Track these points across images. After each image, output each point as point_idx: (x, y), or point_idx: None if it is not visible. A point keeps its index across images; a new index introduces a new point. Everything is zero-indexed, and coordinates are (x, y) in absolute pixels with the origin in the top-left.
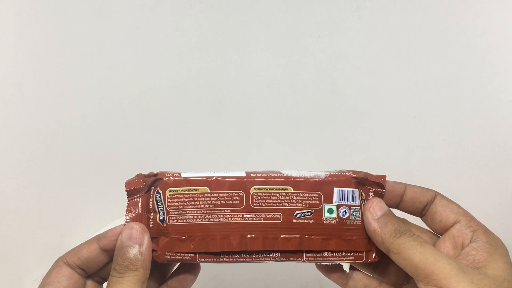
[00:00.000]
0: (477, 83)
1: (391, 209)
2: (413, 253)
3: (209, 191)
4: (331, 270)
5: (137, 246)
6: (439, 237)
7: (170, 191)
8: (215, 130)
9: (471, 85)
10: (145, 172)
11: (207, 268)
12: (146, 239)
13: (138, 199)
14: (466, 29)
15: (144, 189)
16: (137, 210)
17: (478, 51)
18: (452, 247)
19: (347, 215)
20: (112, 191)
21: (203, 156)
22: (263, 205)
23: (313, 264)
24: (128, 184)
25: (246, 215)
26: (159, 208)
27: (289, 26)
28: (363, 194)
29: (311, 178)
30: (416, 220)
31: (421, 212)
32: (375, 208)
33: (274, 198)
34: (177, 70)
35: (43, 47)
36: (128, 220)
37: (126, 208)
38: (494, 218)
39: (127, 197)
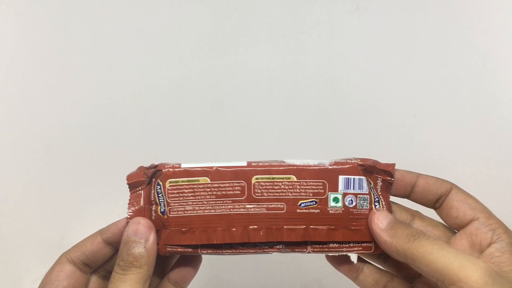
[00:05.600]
0: (477, 83)
1: (402, 199)
2: (435, 257)
3: (209, 182)
4: (340, 262)
5: (143, 242)
6: (455, 232)
7: (170, 182)
8: (215, 129)
9: (471, 85)
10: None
11: (207, 268)
12: (152, 235)
13: (140, 191)
14: (466, 29)
15: (146, 181)
16: (140, 203)
17: (478, 51)
18: (469, 245)
19: (354, 204)
20: (112, 191)
21: (203, 156)
22: (266, 195)
23: (313, 264)
24: (129, 177)
25: (248, 206)
26: (160, 200)
27: (289, 26)
28: (372, 183)
29: (315, 166)
30: (429, 212)
31: (435, 204)
32: (380, 218)
33: (276, 187)
34: (177, 70)
35: (43, 47)
36: (130, 213)
37: (128, 201)
38: None
39: (129, 190)
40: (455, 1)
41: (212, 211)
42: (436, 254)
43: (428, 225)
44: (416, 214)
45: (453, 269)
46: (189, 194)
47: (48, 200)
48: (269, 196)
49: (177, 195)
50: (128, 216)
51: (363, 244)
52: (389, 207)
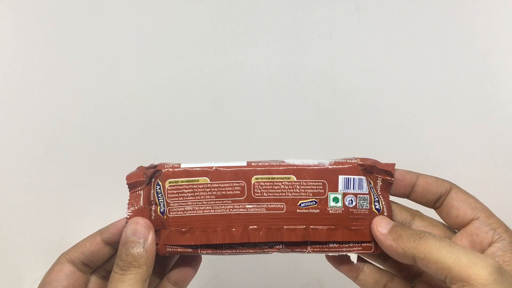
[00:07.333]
0: (477, 83)
1: (402, 199)
2: (444, 254)
3: (209, 182)
4: (340, 262)
5: (142, 242)
6: (455, 231)
7: (169, 182)
8: (215, 129)
9: (471, 85)
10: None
11: (207, 268)
12: (151, 235)
13: (139, 191)
14: (466, 29)
15: (145, 181)
16: (139, 203)
17: (478, 51)
18: (469, 245)
19: (354, 203)
20: (112, 191)
21: (203, 156)
22: (265, 195)
23: (313, 264)
24: (129, 177)
25: (248, 206)
26: (160, 200)
27: (289, 26)
28: (372, 183)
29: (314, 166)
30: (429, 212)
31: (435, 204)
32: (382, 224)
33: (276, 187)
34: (177, 70)
35: (43, 47)
36: (130, 214)
37: (128, 201)
38: None
39: (129, 190)
40: (455, 1)
41: (212, 211)
42: (445, 251)
43: (428, 224)
44: (416, 214)
45: (462, 265)
46: (189, 194)
47: (48, 200)
48: (269, 196)
49: (177, 195)
50: (128, 216)
51: (363, 244)
52: (389, 207)
